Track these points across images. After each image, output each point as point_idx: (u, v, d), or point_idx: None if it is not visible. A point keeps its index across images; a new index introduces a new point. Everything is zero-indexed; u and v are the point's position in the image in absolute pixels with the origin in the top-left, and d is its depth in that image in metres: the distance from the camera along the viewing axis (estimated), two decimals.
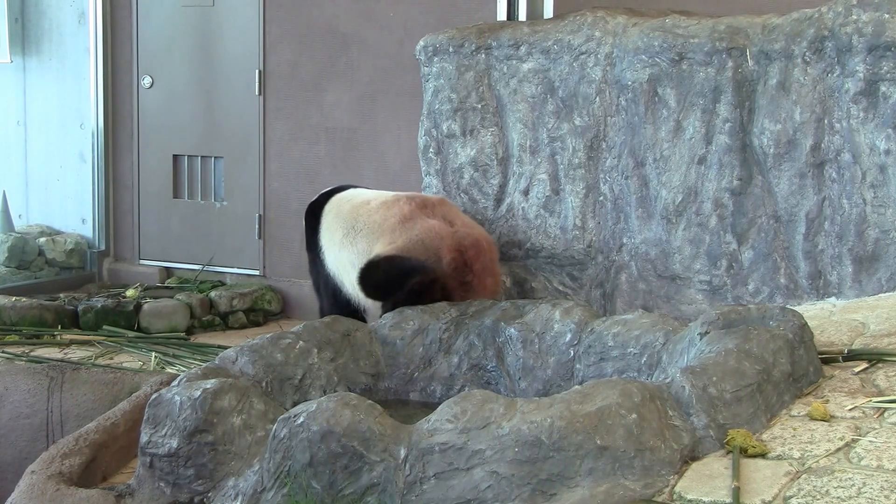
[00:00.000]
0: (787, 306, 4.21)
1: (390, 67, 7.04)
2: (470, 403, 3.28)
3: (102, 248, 8.10)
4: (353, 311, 5.30)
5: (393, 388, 4.58)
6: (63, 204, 8.22)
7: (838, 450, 3.18)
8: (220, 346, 6.19)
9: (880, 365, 3.85)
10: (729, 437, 3.29)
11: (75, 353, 6.11)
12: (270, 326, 7.16)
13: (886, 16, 4.79)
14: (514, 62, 5.89)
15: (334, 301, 5.51)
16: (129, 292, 7.36)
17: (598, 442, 3.13)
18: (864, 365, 3.87)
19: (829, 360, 3.94)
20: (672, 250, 5.49)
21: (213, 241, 7.75)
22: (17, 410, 5.15)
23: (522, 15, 6.50)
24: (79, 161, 8.13)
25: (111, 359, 6.09)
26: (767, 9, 5.52)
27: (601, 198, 5.73)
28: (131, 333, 6.62)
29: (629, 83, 5.53)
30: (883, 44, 4.79)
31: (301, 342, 4.37)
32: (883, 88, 4.83)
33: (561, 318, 4.44)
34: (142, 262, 8.03)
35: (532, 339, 4.46)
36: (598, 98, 5.66)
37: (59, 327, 6.66)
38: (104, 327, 6.67)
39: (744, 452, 3.22)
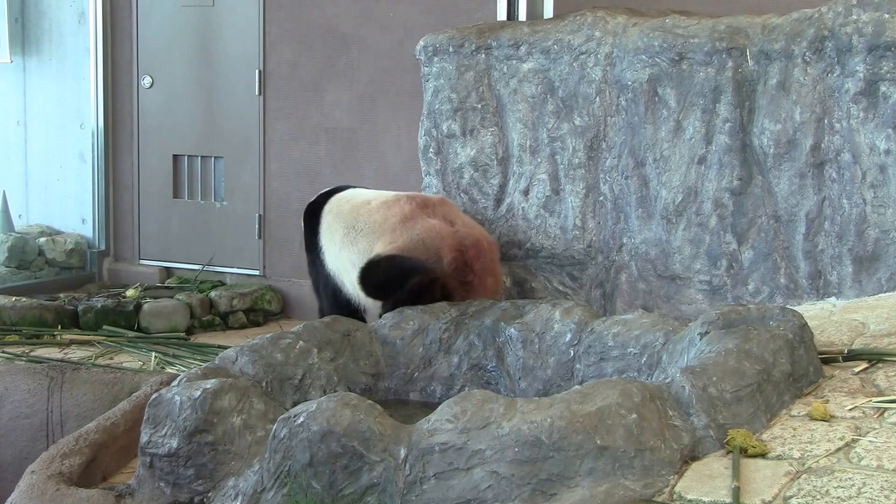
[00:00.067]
0: (787, 306, 4.20)
1: (390, 67, 7.04)
2: (470, 403, 3.28)
3: (102, 248, 8.10)
4: (353, 311, 5.30)
5: (393, 388, 4.58)
6: (63, 204, 8.22)
7: (838, 450, 3.18)
8: (220, 346, 6.19)
9: (880, 365, 3.85)
10: (729, 437, 3.29)
11: (75, 353, 6.11)
12: (270, 326, 7.15)
13: (886, 16, 4.79)
14: (514, 62, 5.89)
15: (334, 301, 5.51)
16: (129, 292, 7.36)
17: (598, 442, 3.13)
18: (864, 365, 3.86)
19: (829, 360, 3.94)
20: (672, 250, 5.49)
21: (213, 241, 7.74)
22: (17, 410, 5.15)
23: (522, 15, 6.50)
24: (79, 161, 8.12)
25: (111, 359, 6.09)
26: (767, 9, 5.52)
27: (601, 198, 5.73)
28: (131, 333, 6.62)
29: (629, 83, 5.52)
30: (883, 44, 4.79)
31: (301, 342, 4.37)
32: (883, 88, 4.83)
33: (561, 318, 4.43)
34: (142, 262, 8.03)
35: (532, 339, 4.46)
36: (598, 98, 5.66)
37: (59, 327, 6.65)
38: (104, 327, 6.67)
39: (744, 452, 3.21)
